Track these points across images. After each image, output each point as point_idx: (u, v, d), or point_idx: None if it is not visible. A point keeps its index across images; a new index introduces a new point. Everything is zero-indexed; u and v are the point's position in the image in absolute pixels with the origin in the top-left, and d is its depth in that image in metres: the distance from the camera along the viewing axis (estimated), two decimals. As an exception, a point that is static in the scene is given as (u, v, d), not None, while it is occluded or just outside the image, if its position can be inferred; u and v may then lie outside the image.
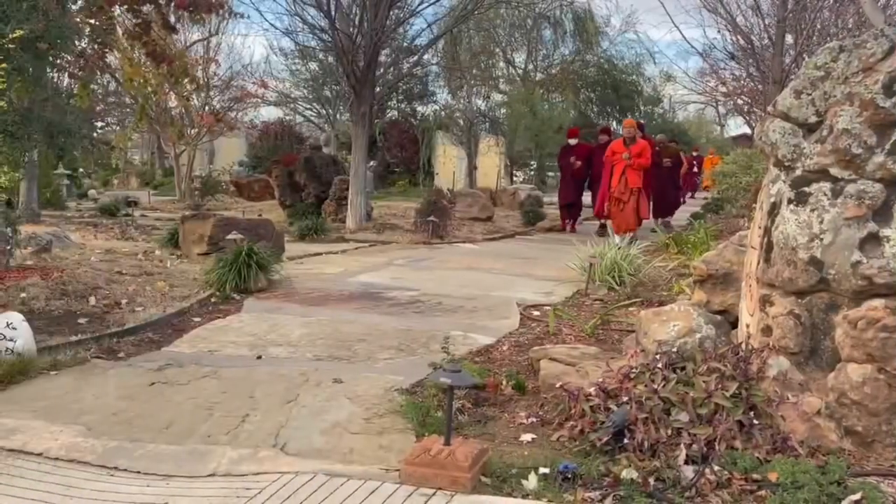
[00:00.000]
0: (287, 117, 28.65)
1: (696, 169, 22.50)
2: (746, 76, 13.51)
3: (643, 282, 7.06)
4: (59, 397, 3.95)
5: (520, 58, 28.18)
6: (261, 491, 2.90)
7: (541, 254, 10.05)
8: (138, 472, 3.15)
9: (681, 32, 37.83)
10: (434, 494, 2.84)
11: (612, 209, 11.01)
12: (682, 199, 16.06)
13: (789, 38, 11.37)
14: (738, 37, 12.03)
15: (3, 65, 4.88)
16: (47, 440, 3.41)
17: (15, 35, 5.12)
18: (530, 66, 27.61)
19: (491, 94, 27.15)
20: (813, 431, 3.22)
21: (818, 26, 12.36)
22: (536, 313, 6.16)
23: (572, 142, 13.70)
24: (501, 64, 28.27)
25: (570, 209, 13.52)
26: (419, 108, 28.36)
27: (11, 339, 4.24)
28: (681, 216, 14.43)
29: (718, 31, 14.23)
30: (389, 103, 27.75)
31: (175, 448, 3.36)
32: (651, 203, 13.08)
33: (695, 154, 22.96)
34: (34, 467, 3.18)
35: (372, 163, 24.52)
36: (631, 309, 6.08)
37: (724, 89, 15.38)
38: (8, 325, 4.27)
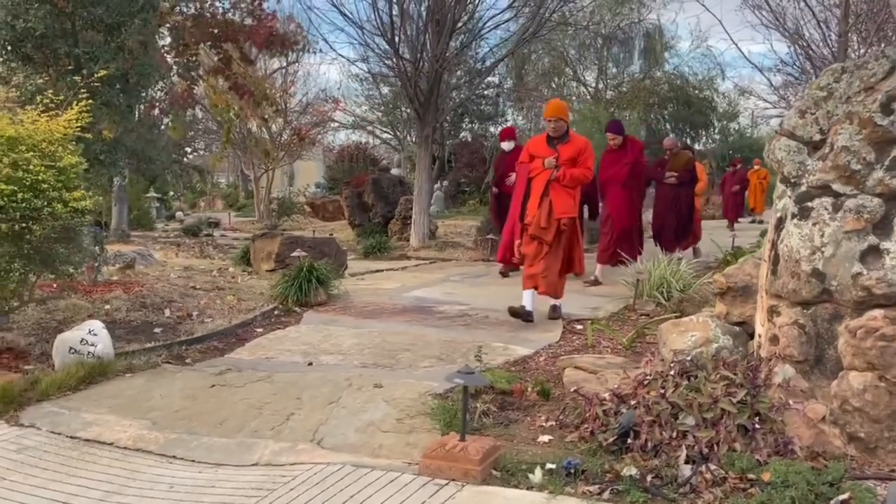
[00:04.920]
0: (362, 140, 29.67)
1: (736, 187, 18.35)
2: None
3: (690, 297, 7.13)
4: (132, 396, 4.44)
5: (591, 76, 28.31)
6: (294, 478, 3.26)
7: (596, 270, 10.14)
8: (193, 461, 3.57)
9: (740, 50, 37.03)
10: (447, 484, 3.13)
11: (524, 252, 6.36)
12: (692, 228, 10.76)
13: (854, 52, 11.18)
14: (805, 51, 11.89)
15: (91, 101, 5.48)
16: (118, 432, 3.88)
17: (101, 74, 5.74)
18: (601, 85, 27.66)
19: (561, 113, 27.28)
20: (818, 437, 3.34)
21: (889, 33, 12.07)
22: (579, 327, 6.35)
23: (507, 146, 9.73)
24: (572, 83, 28.48)
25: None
26: (491, 129, 28.83)
27: (93, 345, 4.78)
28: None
29: (789, 47, 14.05)
30: (461, 124, 28.35)
31: (226, 441, 3.77)
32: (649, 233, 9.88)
33: (735, 168, 18.85)
34: (106, 454, 3.64)
35: (444, 183, 25.12)
36: (673, 323, 6.18)
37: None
38: (90, 332, 4.81)
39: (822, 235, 3.34)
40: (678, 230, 10.12)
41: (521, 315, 6.22)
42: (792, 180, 3.54)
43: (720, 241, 10.90)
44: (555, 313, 6.57)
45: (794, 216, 3.46)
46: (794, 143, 3.55)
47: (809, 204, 3.43)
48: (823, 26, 12.45)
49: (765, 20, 11.70)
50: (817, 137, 3.49)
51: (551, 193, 6.26)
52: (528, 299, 6.29)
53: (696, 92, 27.33)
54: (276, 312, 6.83)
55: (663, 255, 9.14)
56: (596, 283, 8.49)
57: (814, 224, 3.38)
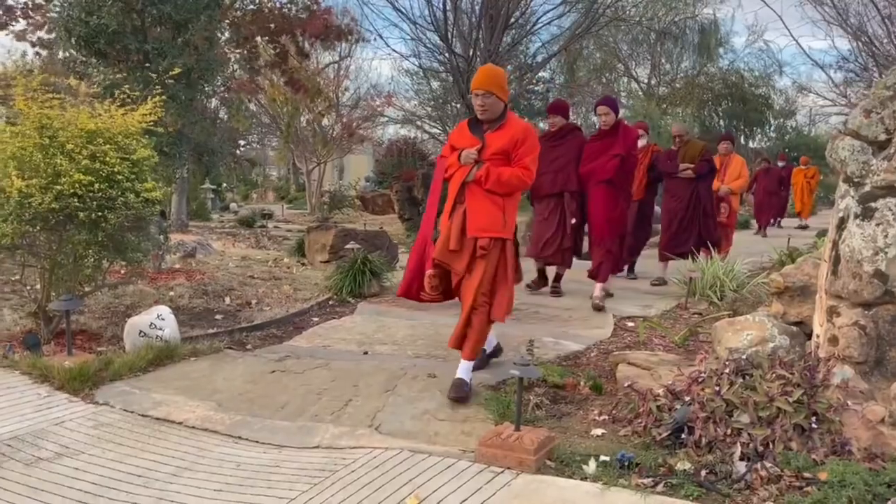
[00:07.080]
0: (412, 135, 29.89)
1: (776, 190, 15.96)
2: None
3: (744, 297, 7.06)
4: (197, 379, 4.63)
5: (643, 72, 28.00)
6: (355, 461, 3.39)
7: (649, 268, 10.07)
8: (257, 442, 3.73)
9: (800, 46, 36.19)
10: (502, 472, 3.21)
11: (426, 286, 4.62)
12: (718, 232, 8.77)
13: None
14: (868, 47, 11.58)
15: (162, 96, 5.70)
16: (186, 412, 4.07)
17: (176, 72, 5.97)
18: (653, 81, 27.34)
19: (612, 109, 27.05)
20: (876, 439, 3.32)
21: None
22: (631, 324, 6.35)
23: None
24: (624, 79, 28.22)
25: None
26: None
27: (161, 329, 5.00)
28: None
29: (851, 43, 13.70)
30: (510, 120, 28.30)
31: (288, 424, 3.92)
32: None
33: (769, 166, 16.50)
34: (175, 433, 3.83)
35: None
36: (726, 322, 6.14)
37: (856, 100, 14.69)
38: (158, 317, 5.03)
39: (886, 236, 3.31)
40: (702, 234, 8.31)
41: (461, 398, 4.16)
42: (855, 180, 3.52)
43: (757, 248, 10.56)
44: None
45: (856, 216, 3.44)
46: (859, 143, 3.53)
47: (873, 204, 3.40)
48: (888, 22, 12.09)
49: (827, 16, 11.44)
50: (882, 137, 3.46)
51: (467, 200, 4.28)
52: (464, 369, 4.30)
53: (752, 89, 26.80)
54: (330, 302, 7.00)
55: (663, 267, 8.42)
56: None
57: (877, 225, 3.36)
